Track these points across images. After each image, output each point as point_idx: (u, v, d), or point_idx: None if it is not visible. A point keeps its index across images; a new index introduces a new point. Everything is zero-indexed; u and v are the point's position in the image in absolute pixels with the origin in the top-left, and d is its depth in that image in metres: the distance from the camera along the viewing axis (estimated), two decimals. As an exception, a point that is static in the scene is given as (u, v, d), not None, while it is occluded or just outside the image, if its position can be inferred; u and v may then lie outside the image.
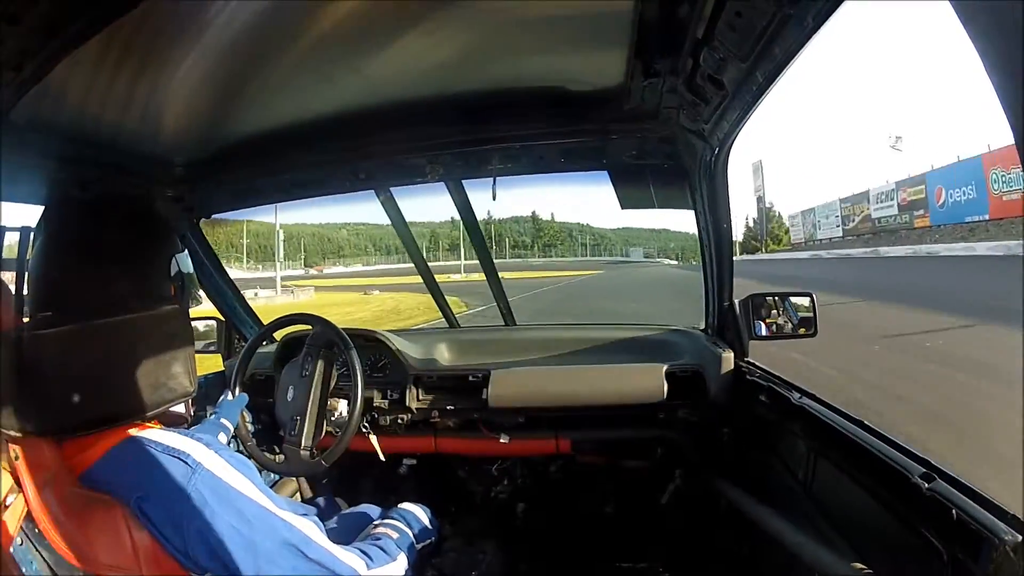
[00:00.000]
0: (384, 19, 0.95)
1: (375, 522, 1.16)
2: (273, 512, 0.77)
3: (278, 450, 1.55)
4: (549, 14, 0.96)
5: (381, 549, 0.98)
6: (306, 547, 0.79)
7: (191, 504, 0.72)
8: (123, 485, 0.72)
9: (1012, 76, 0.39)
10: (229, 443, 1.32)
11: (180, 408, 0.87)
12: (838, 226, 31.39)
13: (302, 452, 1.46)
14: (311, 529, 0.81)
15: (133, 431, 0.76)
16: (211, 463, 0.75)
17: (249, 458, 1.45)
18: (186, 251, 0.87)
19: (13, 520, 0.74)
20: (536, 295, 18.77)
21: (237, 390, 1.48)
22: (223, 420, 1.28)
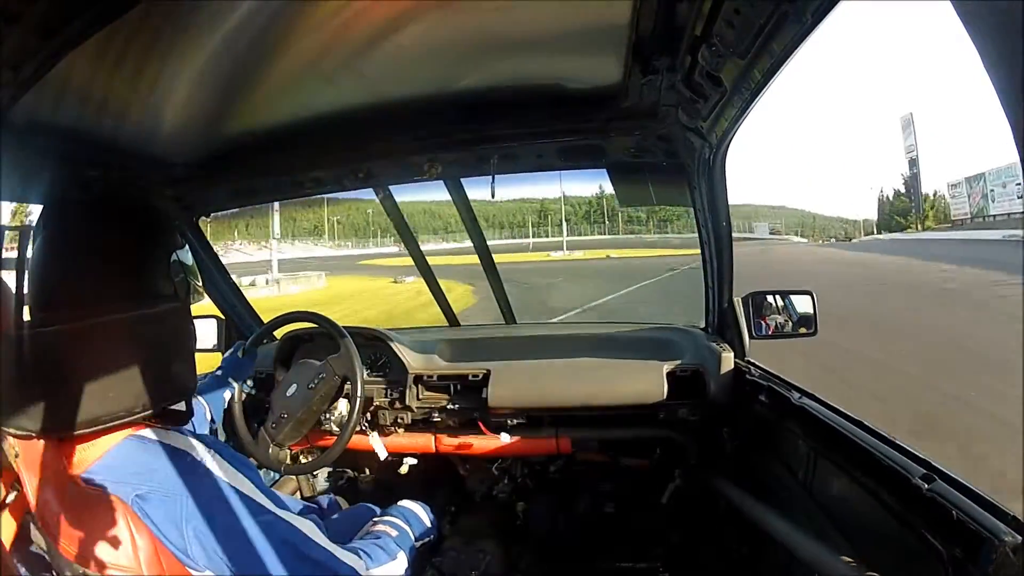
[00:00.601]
0: (382, 18, 0.95)
1: (374, 520, 1.16)
2: (272, 511, 0.78)
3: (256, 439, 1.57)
4: (547, 12, 0.96)
5: (380, 548, 0.98)
6: (305, 546, 0.79)
7: (190, 502, 0.72)
8: (123, 484, 0.72)
9: (1012, 76, 0.39)
10: (230, 403, 1.34)
11: (181, 406, 0.88)
12: (1020, 197, 23.88)
13: (271, 447, 1.49)
14: (310, 528, 0.81)
15: (134, 430, 0.76)
16: (211, 462, 0.75)
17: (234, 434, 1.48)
18: (186, 247, 0.87)
19: (14, 519, 0.74)
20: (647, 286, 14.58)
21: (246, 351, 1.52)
22: (230, 379, 1.28)
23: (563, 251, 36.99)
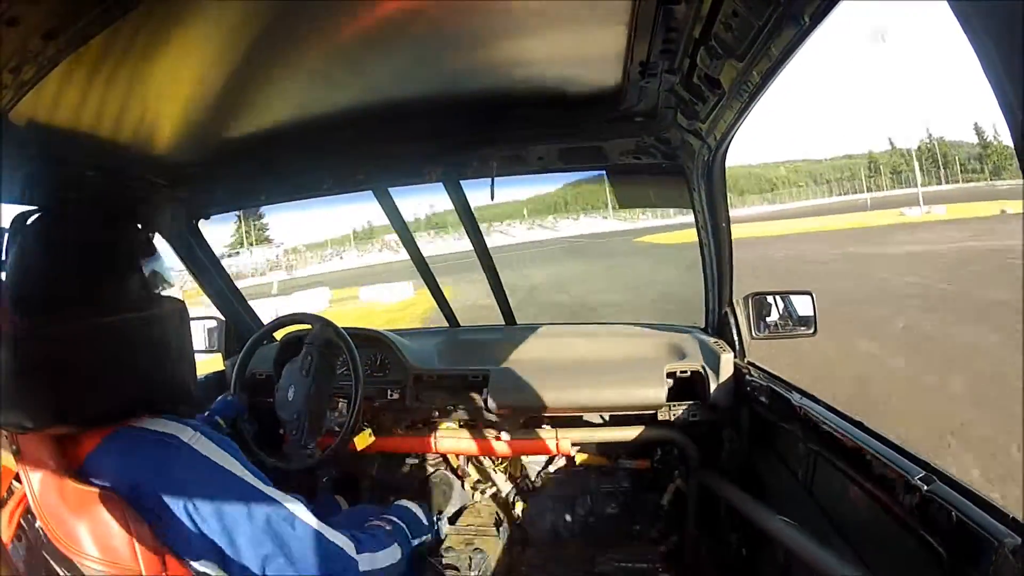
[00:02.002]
0: (382, 21, 0.96)
1: (371, 517, 1.16)
2: (260, 489, 0.79)
3: (280, 450, 1.55)
4: (546, 14, 0.96)
5: (373, 537, 0.98)
6: (293, 524, 0.80)
7: (179, 484, 0.73)
8: (117, 474, 0.73)
9: (1011, 76, 0.39)
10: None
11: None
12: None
13: (305, 450, 1.48)
14: (298, 508, 0.82)
15: (131, 422, 0.77)
16: (197, 443, 0.77)
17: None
18: (151, 245, 0.88)
19: (13, 515, 0.75)
20: None
21: (235, 391, 1.50)
22: (217, 418, 1.29)
23: (920, 208, 24.40)
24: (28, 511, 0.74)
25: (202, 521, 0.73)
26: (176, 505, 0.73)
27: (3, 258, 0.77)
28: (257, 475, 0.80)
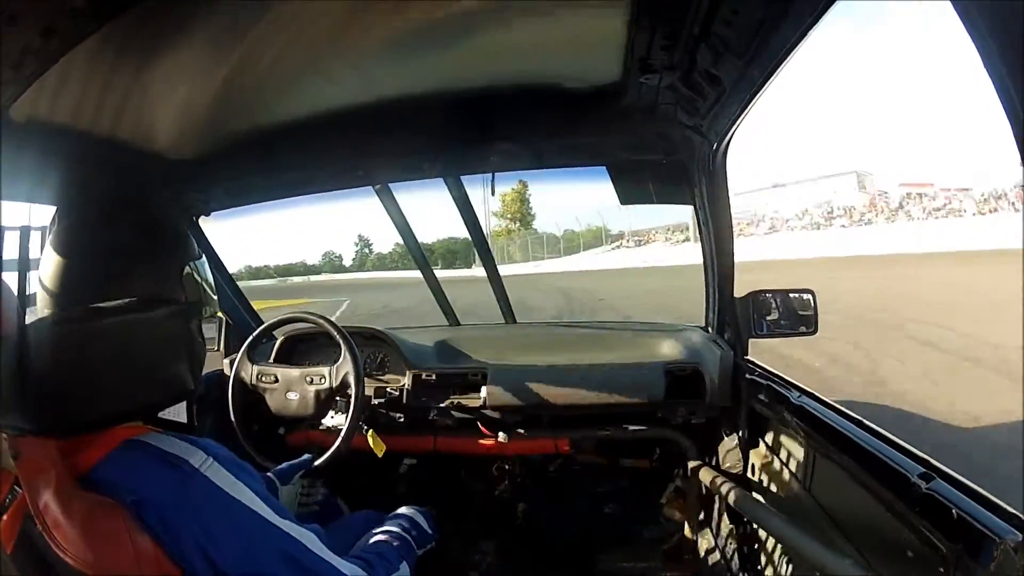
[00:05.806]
0: (382, 16, 0.96)
1: (374, 530, 1.15)
2: (270, 521, 0.77)
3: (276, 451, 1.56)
4: (546, 10, 0.96)
5: (382, 558, 0.97)
6: (305, 558, 0.78)
7: (186, 511, 0.71)
8: (122, 488, 0.71)
9: (1012, 76, 0.39)
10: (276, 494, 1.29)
11: (182, 417, 0.88)
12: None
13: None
14: (310, 539, 0.80)
15: (133, 434, 0.76)
16: (209, 470, 0.74)
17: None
18: (204, 258, 0.87)
19: (14, 521, 0.74)
20: None
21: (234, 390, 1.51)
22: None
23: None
24: (29, 516, 0.74)
25: (209, 550, 0.72)
26: (182, 531, 0.71)
27: (2, 257, 0.76)
28: (270, 503, 0.79)
